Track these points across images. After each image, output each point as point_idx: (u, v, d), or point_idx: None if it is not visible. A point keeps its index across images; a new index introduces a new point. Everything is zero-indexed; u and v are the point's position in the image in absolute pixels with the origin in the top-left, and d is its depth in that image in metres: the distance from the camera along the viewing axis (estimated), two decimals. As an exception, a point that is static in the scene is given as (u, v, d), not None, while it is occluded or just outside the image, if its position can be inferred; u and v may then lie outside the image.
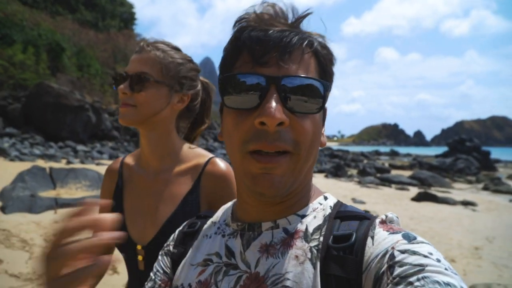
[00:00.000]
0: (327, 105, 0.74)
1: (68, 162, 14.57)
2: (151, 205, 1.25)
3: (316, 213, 0.72)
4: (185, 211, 1.23)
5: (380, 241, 0.61)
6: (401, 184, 15.45)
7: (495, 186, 16.36)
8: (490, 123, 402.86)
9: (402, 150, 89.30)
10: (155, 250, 1.15)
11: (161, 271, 0.87)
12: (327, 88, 0.67)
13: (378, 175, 18.92)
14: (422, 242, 0.59)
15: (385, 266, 0.56)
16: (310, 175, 0.75)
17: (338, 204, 0.75)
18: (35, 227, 5.40)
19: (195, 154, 1.34)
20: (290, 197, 0.71)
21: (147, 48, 1.24)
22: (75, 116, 22.61)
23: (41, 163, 13.00)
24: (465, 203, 11.33)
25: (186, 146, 1.34)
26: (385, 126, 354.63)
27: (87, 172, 8.75)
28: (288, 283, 0.63)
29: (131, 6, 55.83)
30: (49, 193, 7.55)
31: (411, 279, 0.52)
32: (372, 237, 0.62)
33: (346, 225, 0.67)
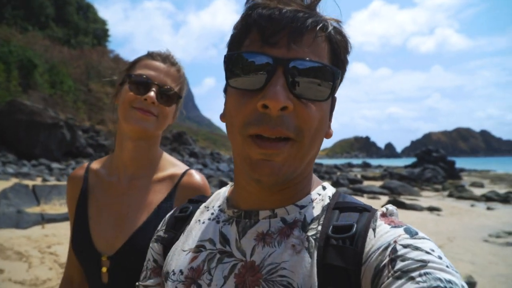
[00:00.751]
0: (336, 95, 0.72)
1: (44, 180, 14.44)
2: (122, 213, 1.20)
3: (314, 204, 0.70)
4: (158, 220, 1.15)
5: (382, 233, 0.60)
6: (373, 194, 16.19)
7: (459, 193, 17.43)
8: (456, 135, 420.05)
9: (374, 162, 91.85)
10: (123, 260, 1.13)
11: (152, 259, 0.86)
12: (338, 75, 0.63)
13: (351, 186, 19.68)
14: (424, 238, 0.58)
15: (387, 259, 0.55)
16: (312, 166, 0.73)
17: (337, 194, 0.73)
18: (26, 241, 5.59)
19: (172, 163, 1.33)
20: (290, 186, 0.69)
21: (172, 60, 1.25)
22: (49, 133, 22.32)
23: (15, 181, 12.90)
24: (431, 209, 12.14)
25: (163, 155, 1.33)
26: (357, 139, 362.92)
27: (70, 188, 8.93)
28: (284, 272, 0.62)
29: (104, 23, 55.65)
30: (34, 209, 7.68)
31: (413, 274, 0.51)
32: (374, 229, 0.61)
33: (346, 216, 0.66)
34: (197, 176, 1.29)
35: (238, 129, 0.64)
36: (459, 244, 7.37)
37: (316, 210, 0.69)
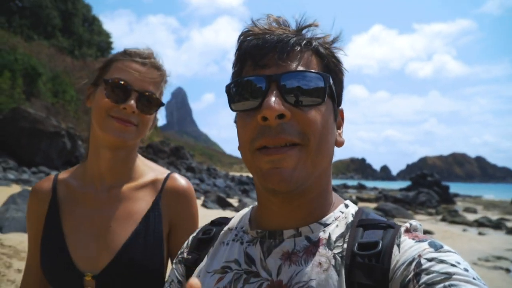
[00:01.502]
0: (344, 107, 0.76)
1: (44, 188, 14.60)
2: (104, 226, 1.12)
3: (338, 222, 0.71)
4: (148, 230, 1.12)
5: (407, 249, 0.60)
6: (368, 215, 16.49)
7: (452, 218, 17.78)
8: (452, 160, 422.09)
9: (369, 184, 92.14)
10: (111, 278, 1.05)
11: (176, 280, 0.85)
12: (327, 79, 0.66)
13: (347, 206, 19.93)
14: (449, 251, 0.58)
15: (412, 274, 0.55)
16: (328, 178, 0.73)
17: (360, 211, 0.73)
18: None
19: (151, 168, 1.25)
20: (309, 198, 0.70)
21: (153, 61, 1.15)
22: (51, 142, 22.61)
23: (16, 188, 13.09)
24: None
25: (140, 160, 1.25)
26: (353, 161, 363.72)
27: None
28: None
29: (108, 36, 56.54)
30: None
31: (438, 287, 0.51)
32: (398, 245, 0.61)
33: (371, 233, 0.66)
34: (181, 180, 1.23)
35: (247, 146, 0.68)
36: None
37: (340, 228, 0.70)
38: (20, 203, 8.07)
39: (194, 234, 0.92)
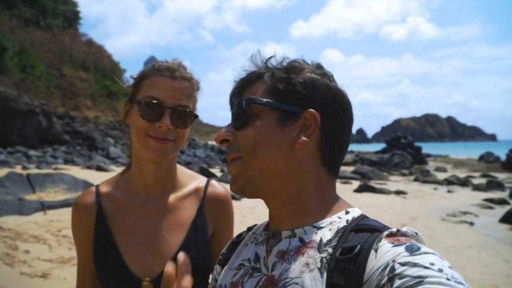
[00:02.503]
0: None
1: (24, 168, 14.54)
2: (156, 235, 1.20)
3: (332, 226, 0.74)
4: (197, 236, 1.23)
5: (383, 254, 0.62)
6: (345, 179, 17.24)
7: (424, 177, 18.88)
8: (424, 120, 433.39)
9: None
10: None
11: (214, 278, 0.98)
12: (247, 102, 0.80)
13: (326, 171, 20.68)
14: (426, 253, 0.58)
15: (386, 278, 0.57)
16: (303, 181, 0.79)
17: (360, 217, 0.76)
18: (35, 226, 6.08)
19: (191, 176, 1.34)
20: (288, 200, 0.79)
21: (182, 73, 1.18)
22: (25, 120, 21.99)
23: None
24: (398, 192, 13.29)
25: (179, 169, 1.32)
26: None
27: (63, 177, 9.30)
28: (296, 287, 0.69)
29: (75, 5, 53.53)
30: (31, 197, 8.09)
31: None
32: (376, 250, 0.63)
33: (358, 237, 0.69)
34: (220, 187, 1.33)
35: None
36: (421, 223, 8.43)
37: (332, 232, 0.73)
38: (9, 186, 8.17)
39: (232, 239, 1.02)
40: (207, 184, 1.32)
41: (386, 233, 0.67)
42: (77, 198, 1.26)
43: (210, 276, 1.03)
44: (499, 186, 15.81)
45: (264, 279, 0.76)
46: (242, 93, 0.83)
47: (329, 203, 0.80)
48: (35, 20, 43.53)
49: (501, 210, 10.23)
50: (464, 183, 17.09)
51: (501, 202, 11.81)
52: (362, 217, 0.77)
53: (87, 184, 9.07)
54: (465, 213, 10.05)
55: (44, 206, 7.40)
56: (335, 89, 0.82)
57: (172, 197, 1.26)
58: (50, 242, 5.22)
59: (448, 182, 17.41)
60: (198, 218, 1.25)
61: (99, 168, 15.43)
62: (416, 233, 0.68)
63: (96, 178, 10.38)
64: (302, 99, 0.79)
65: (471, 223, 8.89)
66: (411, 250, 0.60)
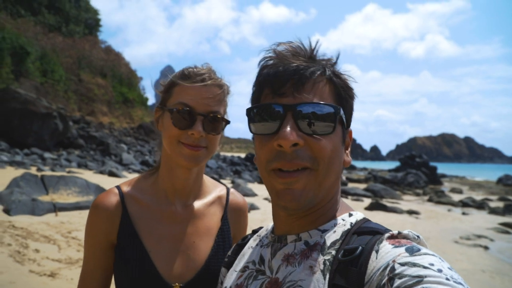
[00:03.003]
0: (352, 127, 0.82)
1: (39, 170, 14.79)
2: (187, 241, 1.19)
3: (336, 228, 0.75)
4: (225, 242, 1.24)
5: (383, 255, 0.62)
6: (357, 196, 17.02)
7: (438, 198, 18.48)
8: (441, 140, 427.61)
9: (359, 164, 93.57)
10: (199, 286, 1.14)
11: (220, 281, 1.00)
12: (338, 110, 0.73)
13: (337, 186, 20.49)
14: (426, 254, 0.59)
15: (386, 278, 0.57)
16: (334, 192, 0.78)
17: (362, 220, 0.76)
18: (47, 227, 6.14)
19: (213, 184, 1.35)
20: (313, 211, 0.76)
21: (213, 78, 1.16)
22: (42, 123, 22.51)
23: (10, 170, 13.30)
24: (410, 212, 13.03)
25: (204, 176, 1.32)
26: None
27: (76, 180, 9.41)
28: None
29: (96, 12, 55.10)
30: (44, 198, 8.20)
31: None
32: (377, 251, 0.64)
33: (360, 239, 0.69)
34: (239, 196, 1.37)
35: (263, 165, 0.76)
36: (432, 244, 8.21)
37: (336, 235, 0.74)
38: (23, 186, 8.31)
39: (238, 241, 1.04)
40: (228, 192, 1.35)
41: (387, 235, 0.67)
42: (98, 198, 1.18)
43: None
44: (516, 210, 15.35)
45: (268, 281, 0.77)
46: (302, 88, 0.74)
47: (335, 206, 0.80)
48: (58, 26, 44.89)
49: (518, 235, 9.92)
50: (480, 205, 16.66)
51: (518, 227, 11.44)
52: (365, 220, 0.78)
53: (99, 189, 9.16)
54: (479, 236, 9.77)
55: (56, 208, 7.48)
56: None
57: (198, 204, 1.26)
58: (59, 243, 5.26)
59: (463, 204, 17.00)
60: (223, 225, 1.27)
61: (112, 174, 15.60)
62: (418, 236, 0.67)
63: (108, 183, 10.49)
64: (350, 116, 0.81)
65: (486, 247, 8.63)
66: (411, 251, 0.60)
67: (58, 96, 34.35)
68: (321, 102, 0.73)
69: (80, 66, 40.94)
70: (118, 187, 1.22)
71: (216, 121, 1.15)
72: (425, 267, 0.55)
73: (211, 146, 1.17)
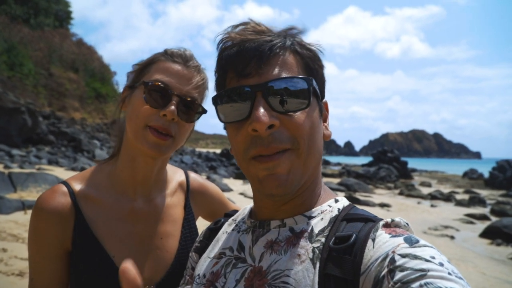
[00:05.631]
0: (327, 99, 0.77)
1: (6, 167, 14.24)
2: (154, 239, 1.09)
3: (323, 215, 0.71)
4: (192, 232, 1.17)
5: (381, 244, 0.60)
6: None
7: (409, 191, 19.11)
8: (411, 136, 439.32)
9: (333, 159, 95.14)
10: (172, 284, 1.04)
11: (190, 267, 0.93)
12: (310, 82, 0.68)
13: (312, 181, 20.75)
14: (425, 246, 0.57)
15: (385, 270, 0.55)
16: (317, 174, 0.74)
17: (349, 207, 0.74)
18: (15, 225, 5.95)
19: (173, 171, 1.25)
20: (299, 193, 0.72)
21: (195, 63, 1.08)
22: (9, 118, 21.62)
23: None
24: (382, 205, 13.42)
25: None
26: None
27: (46, 177, 9.15)
28: (287, 279, 0.65)
29: (67, 4, 53.16)
30: (12, 196, 7.93)
31: (414, 285, 0.50)
32: (373, 240, 0.61)
33: (351, 226, 0.66)
34: (199, 178, 1.30)
35: (241, 155, 0.71)
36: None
37: (324, 222, 0.71)
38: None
39: (208, 225, 0.98)
40: (187, 177, 1.27)
41: (382, 223, 0.65)
42: (43, 199, 1.00)
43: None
44: (481, 202, 16.08)
45: (250, 270, 0.72)
46: (267, 64, 0.69)
47: (319, 191, 0.76)
48: (26, 18, 43.01)
49: (481, 226, 10.42)
50: (447, 198, 17.36)
51: (482, 217, 12.01)
52: (351, 206, 0.75)
53: (70, 185, 8.93)
54: (446, 227, 10.20)
55: (25, 206, 7.25)
56: None
57: (161, 197, 1.16)
58: (28, 241, 5.11)
59: (432, 197, 17.66)
60: (188, 214, 1.19)
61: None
62: (407, 224, 0.67)
63: (80, 179, 10.23)
64: (323, 87, 0.75)
65: (452, 237, 9.03)
66: (410, 241, 0.58)
67: (26, 90, 32.98)
68: (291, 76, 0.68)
69: (51, 60, 39.44)
70: (66, 183, 1.06)
71: (191, 107, 1.05)
72: (427, 260, 0.54)
73: (179, 136, 1.06)
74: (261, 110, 0.65)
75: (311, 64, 0.72)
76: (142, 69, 1.08)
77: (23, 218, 6.50)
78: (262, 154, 0.67)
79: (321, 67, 0.75)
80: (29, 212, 6.99)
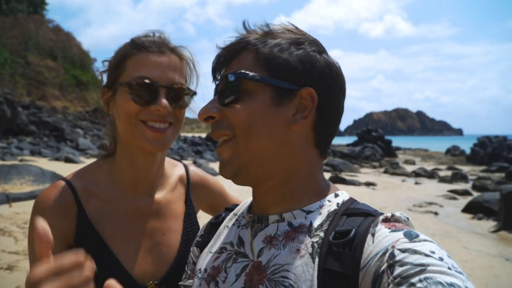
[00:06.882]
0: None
1: (-13, 159, 13.94)
2: (156, 235, 1.09)
3: (322, 210, 0.72)
4: (193, 226, 1.17)
5: (381, 239, 0.60)
6: (318, 171, 17.56)
7: (393, 170, 19.48)
8: (395, 114, 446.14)
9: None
10: (174, 280, 1.04)
11: (191, 261, 0.94)
12: (239, 75, 0.71)
13: (299, 163, 20.96)
14: (425, 240, 0.57)
15: (385, 265, 0.55)
16: (294, 163, 0.74)
17: (349, 201, 0.74)
18: (0, 219, 5.86)
19: (172, 164, 1.24)
20: (278, 184, 0.74)
21: (169, 45, 1.04)
22: (-13, 110, 21.03)
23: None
24: (368, 184, 13.67)
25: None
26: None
27: (29, 168, 8.98)
28: (286, 274, 0.66)
29: (40, -11, 51.20)
30: (-5, 189, 7.79)
31: (413, 280, 0.50)
32: (373, 235, 0.61)
33: (351, 221, 0.66)
34: (199, 171, 1.28)
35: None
36: (387, 212, 8.73)
37: (322, 216, 0.71)
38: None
39: (210, 220, 0.98)
40: (187, 170, 1.25)
41: (382, 217, 0.65)
42: (43, 196, 0.99)
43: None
44: (463, 178, 16.51)
45: (251, 265, 0.73)
46: (228, 65, 0.76)
47: (318, 186, 0.77)
48: (-3, 4, 41.29)
49: (464, 201, 10.72)
50: (431, 175, 17.77)
51: (465, 193, 12.35)
52: (352, 200, 0.75)
53: (55, 176, 8.81)
54: (430, 203, 10.48)
55: (10, 198, 7.14)
56: (332, 64, 0.76)
57: (162, 192, 1.15)
58: (16, 235, 5.06)
59: (416, 174, 18.06)
60: (188, 208, 1.18)
61: (68, 160, 15.01)
62: (408, 218, 0.67)
63: (64, 169, 10.09)
64: (299, 75, 0.72)
65: (436, 213, 9.29)
66: (410, 236, 0.58)
67: (3, 80, 32.00)
68: (226, 73, 0.75)
69: (27, 47, 38.14)
70: (65, 180, 1.04)
71: (180, 93, 1.02)
72: (426, 255, 0.54)
73: (178, 122, 1.05)
74: (208, 105, 0.76)
75: (272, 58, 0.72)
76: (116, 67, 1.03)
77: (9, 211, 6.41)
78: (215, 139, 0.77)
79: (286, 59, 0.72)
80: (14, 205, 6.88)
